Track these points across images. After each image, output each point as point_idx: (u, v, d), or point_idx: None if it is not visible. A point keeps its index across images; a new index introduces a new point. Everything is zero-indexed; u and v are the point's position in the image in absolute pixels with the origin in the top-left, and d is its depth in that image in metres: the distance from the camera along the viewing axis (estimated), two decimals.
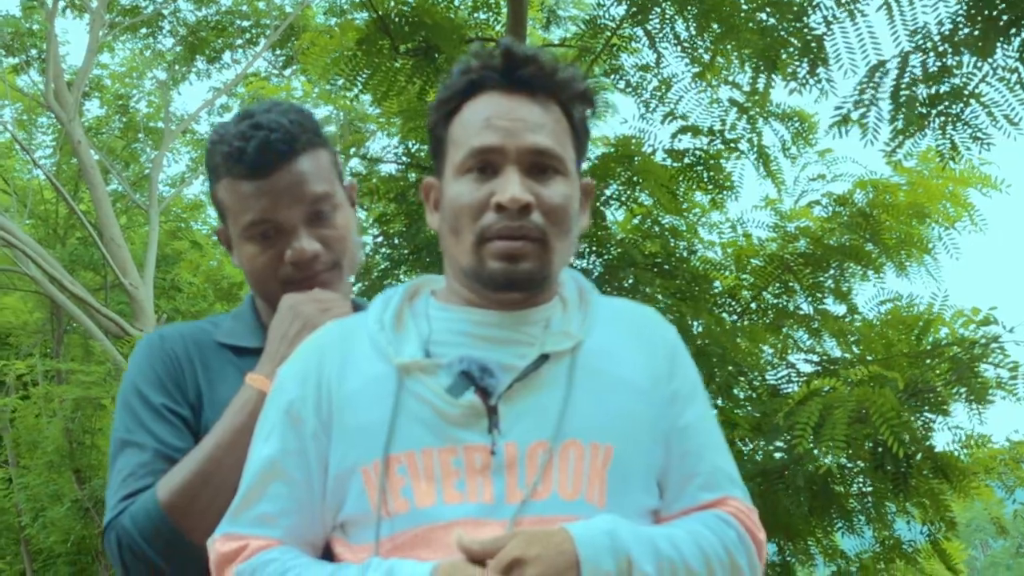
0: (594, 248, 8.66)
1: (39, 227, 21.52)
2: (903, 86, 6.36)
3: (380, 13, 7.91)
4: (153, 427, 2.47)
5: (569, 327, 2.11)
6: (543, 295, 2.15)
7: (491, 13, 9.10)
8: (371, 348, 2.12)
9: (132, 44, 21.30)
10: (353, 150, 9.88)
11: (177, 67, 20.58)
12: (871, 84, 6.41)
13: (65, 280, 16.34)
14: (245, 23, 19.97)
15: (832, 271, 8.56)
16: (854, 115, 6.45)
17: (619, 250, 8.43)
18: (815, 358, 8.57)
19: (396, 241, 8.61)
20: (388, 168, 9.15)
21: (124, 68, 21.78)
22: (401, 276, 8.65)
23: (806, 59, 6.79)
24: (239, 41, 20.09)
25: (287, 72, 19.76)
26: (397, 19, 8.01)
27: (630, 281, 8.03)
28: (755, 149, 8.79)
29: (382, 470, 2.00)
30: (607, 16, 8.60)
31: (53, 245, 20.54)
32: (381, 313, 2.17)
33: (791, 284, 8.57)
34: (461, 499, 1.96)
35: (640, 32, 8.54)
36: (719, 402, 8.65)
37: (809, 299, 8.66)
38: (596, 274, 8.54)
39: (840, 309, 8.78)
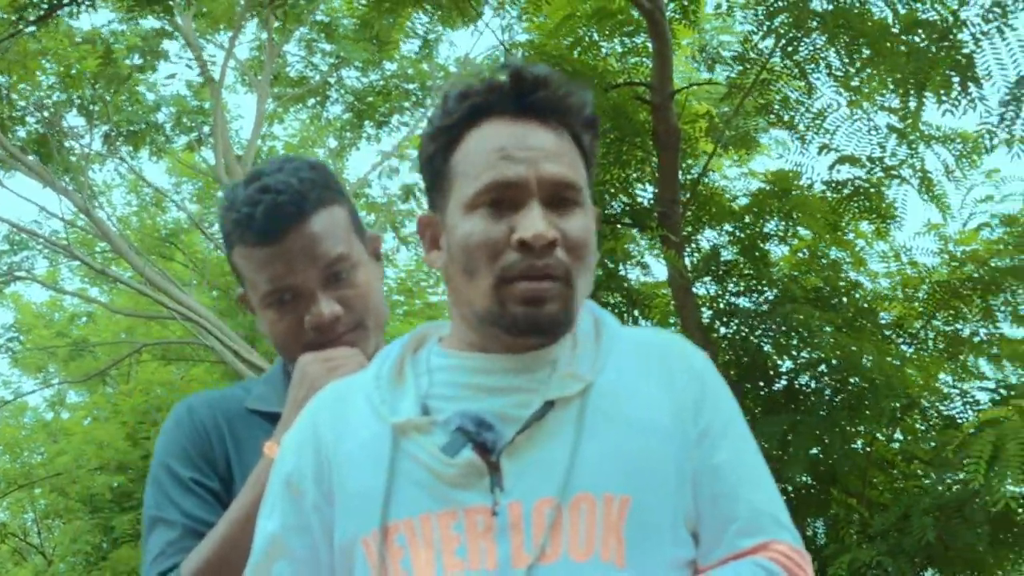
0: (755, 285, 8.54)
1: (221, 299, 22.01)
2: None
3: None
4: (181, 503, 2.41)
5: (578, 368, 1.89)
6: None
7: (639, 58, 9.06)
8: (368, 408, 1.94)
9: (302, 115, 21.78)
10: None
11: (347, 134, 20.92)
12: (1016, 98, 6.20)
13: (243, 350, 16.67)
14: (410, 86, 20.20)
15: (1005, 294, 8.25)
16: (1000, 132, 6.25)
17: (780, 286, 8.29)
18: (991, 385, 8.28)
19: None
20: None
21: (296, 139, 22.26)
22: None
23: (957, 78, 6.61)
24: (406, 104, 20.32)
25: None
26: None
27: (793, 317, 7.86)
28: (917, 175, 8.60)
29: (380, 540, 1.83)
30: (755, 51, 8.50)
31: (235, 315, 20.99)
32: (379, 368, 2.00)
33: (962, 310, 8.31)
34: (463, 567, 1.78)
35: (790, 64, 8.43)
36: (897, 435, 8.45)
37: (982, 324, 8.39)
38: (760, 311, 8.42)
39: (1019, 333, 8.49)
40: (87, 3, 8.48)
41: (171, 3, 8.55)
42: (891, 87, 7.72)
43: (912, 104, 7.04)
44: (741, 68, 8.65)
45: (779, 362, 8.42)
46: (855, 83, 8.22)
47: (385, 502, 1.84)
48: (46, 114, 17.14)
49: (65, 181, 17.87)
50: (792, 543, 1.90)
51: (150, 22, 16.48)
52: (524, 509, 1.79)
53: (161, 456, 2.50)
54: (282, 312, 2.44)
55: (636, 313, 8.92)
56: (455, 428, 1.85)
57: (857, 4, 7.84)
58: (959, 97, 6.65)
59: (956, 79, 6.65)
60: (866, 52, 7.77)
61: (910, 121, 7.94)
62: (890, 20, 7.78)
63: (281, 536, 1.95)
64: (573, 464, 1.81)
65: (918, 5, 7.57)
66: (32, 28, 8.75)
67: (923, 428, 8.38)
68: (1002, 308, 8.35)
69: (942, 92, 6.74)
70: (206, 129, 18.76)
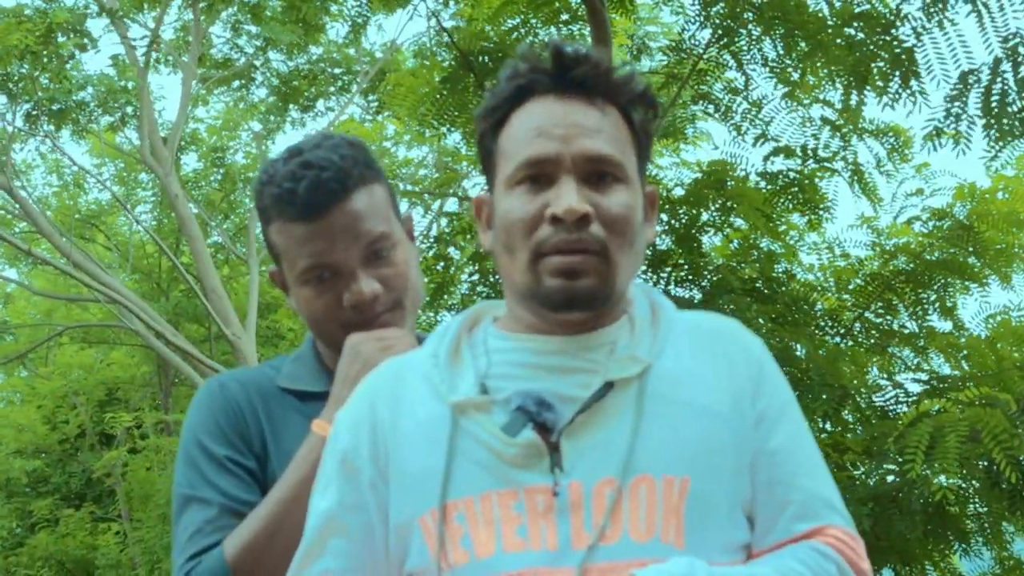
0: (691, 276, 8.56)
1: (143, 282, 21.84)
2: (995, 93, 6.22)
3: (462, 51, 7.87)
4: (218, 481, 2.38)
5: (636, 350, 1.90)
6: (609, 315, 1.95)
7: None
8: (425, 386, 1.95)
9: (226, 97, 21.59)
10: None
11: (271, 117, 20.76)
12: (961, 94, 6.27)
13: (168, 333, 16.55)
14: (336, 71, 20.10)
15: (935, 287, 8.35)
16: (946, 128, 6.31)
17: (716, 277, 8.31)
18: (924, 377, 8.36)
19: (494, 279, 8.55)
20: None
21: (219, 121, 22.08)
22: None
23: (897, 72, 6.66)
24: (331, 89, 20.22)
25: (380, 117, 19.85)
26: (480, 56, 7.97)
27: (729, 308, 7.88)
28: (849, 167, 8.66)
29: (439, 519, 1.83)
30: (692, 41, 8.52)
31: (157, 299, 20.82)
32: (436, 347, 2.00)
33: (894, 303, 8.39)
34: (523, 546, 1.78)
35: (727, 55, 8.46)
36: (827, 427, 8.50)
37: (913, 317, 8.47)
38: (695, 302, 8.44)
39: (946, 325, 8.59)
40: None
41: None
42: (831, 80, 7.76)
43: (854, 98, 7.08)
44: (677, 58, 8.66)
45: None
46: (793, 75, 8.25)
47: (444, 481, 1.85)
48: None
49: None
50: (847, 527, 1.91)
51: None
52: (585, 489, 1.81)
53: (193, 433, 2.46)
54: (320, 290, 2.43)
55: None
56: (515, 408, 1.86)
57: None
58: (899, 91, 6.69)
59: (897, 73, 6.69)
60: (803, 45, 7.80)
61: (849, 115, 8.00)
62: (826, 13, 7.85)
63: (337, 513, 1.95)
64: (633, 445, 1.82)
65: None
66: None
67: (853, 419, 8.44)
68: (932, 302, 8.45)
69: (881, 86, 6.78)
70: (129, 109, 18.53)
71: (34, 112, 17.45)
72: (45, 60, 15.89)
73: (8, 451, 21.25)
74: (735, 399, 1.91)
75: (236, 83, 20.29)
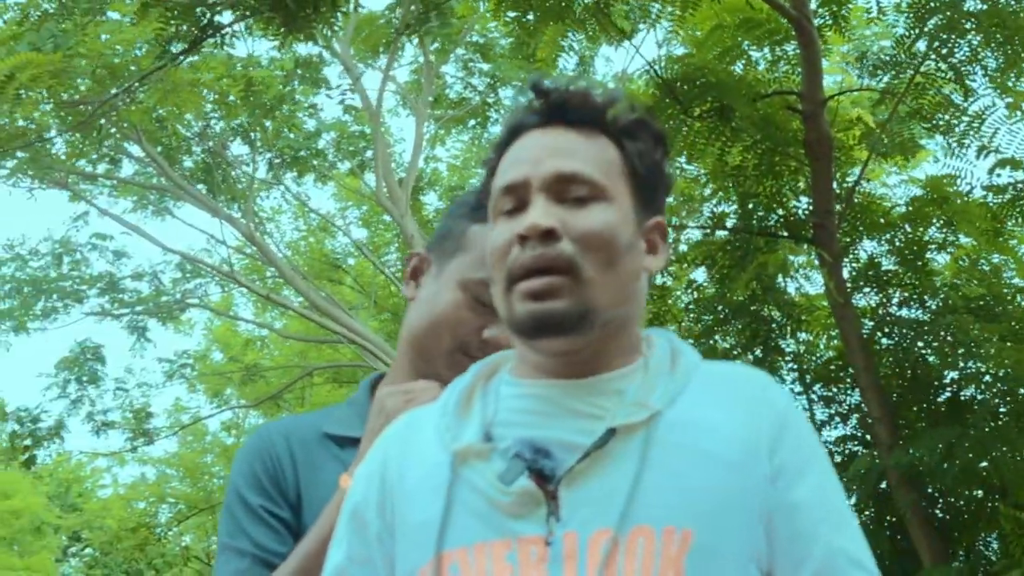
0: (917, 295, 8.33)
1: (390, 321, 22.21)
2: None
3: (664, 78, 7.82)
4: (251, 531, 2.38)
5: (647, 397, 1.80)
6: (619, 358, 1.86)
7: (790, 66, 8.91)
8: (434, 436, 1.90)
9: (464, 135, 21.88)
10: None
11: None
12: None
13: None
14: None
15: None
16: None
17: (941, 296, 8.07)
18: None
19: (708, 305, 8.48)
20: (694, 233, 9.04)
21: (458, 160, 22.38)
22: (715, 341, 8.50)
23: None
24: None
25: None
26: (683, 83, 7.90)
27: (951, 328, 7.64)
28: None
29: (435, 570, 1.76)
30: (908, 54, 8.29)
31: None
32: (448, 396, 1.95)
33: None
34: None
35: (944, 67, 8.21)
36: None
37: None
38: (920, 322, 8.22)
39: None
40: (231, 35, 8.59)
41: (314, 30, 8.55)
42: None
43: None
44: (894, 72, 8.44)
45: (943, 374, 8.19)
46: (1015, 84, 7.96)
47: (440, 531, 1.79)
48: (210, 144, 17.48)
49: (233, 209, 18.20)
50: None
51: (307, 48, 16.73)
52: (579, 540, 1.71)
53: (234, 483, 2.47)
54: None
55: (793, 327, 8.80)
56: (513, 455, 1.79)
57: (1012, 2, 7.61)
58: None
59: None
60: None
61: None
62: None
63: (346, 567, 1.92)
64: (633, 495, 1.72)
65: None
66: (182, 59, 8.84)
67: None
68: None
69: None
70: (368, 154, 18.95)
71: (276, 161, 18.00)
72: (264, 113, 16.34)
73: None
74: (749, 449, 1.79)
75: (471, 121, 20.55)
